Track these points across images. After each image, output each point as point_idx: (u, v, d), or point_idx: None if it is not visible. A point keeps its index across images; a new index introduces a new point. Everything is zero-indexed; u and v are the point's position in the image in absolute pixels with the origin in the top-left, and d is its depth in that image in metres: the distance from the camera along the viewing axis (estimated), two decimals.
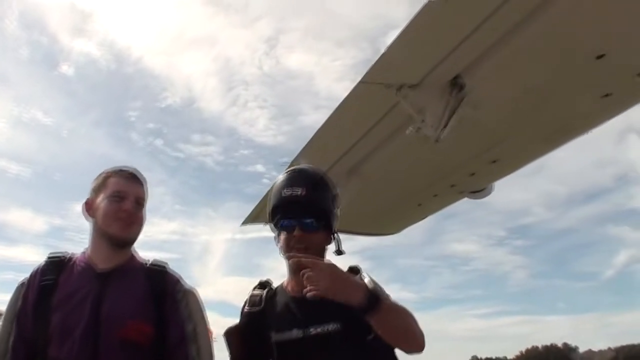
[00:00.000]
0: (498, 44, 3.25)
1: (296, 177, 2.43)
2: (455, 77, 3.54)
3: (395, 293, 2.41)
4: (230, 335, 2.50)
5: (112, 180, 2.53)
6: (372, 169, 4.63)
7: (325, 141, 4.21)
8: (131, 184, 2.55)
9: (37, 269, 2.44)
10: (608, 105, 4.00)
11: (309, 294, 2.13)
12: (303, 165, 2.59)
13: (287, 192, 2.35)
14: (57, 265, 2.43)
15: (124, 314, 2.34)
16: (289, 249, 2.38)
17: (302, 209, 2.36)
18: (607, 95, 3.84)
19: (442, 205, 5.67)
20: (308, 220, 2.36)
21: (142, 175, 2.64)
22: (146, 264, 2.59)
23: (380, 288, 2.23)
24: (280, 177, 2.46)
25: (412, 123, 3.58)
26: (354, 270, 2.44)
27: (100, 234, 2.48)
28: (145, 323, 2.36)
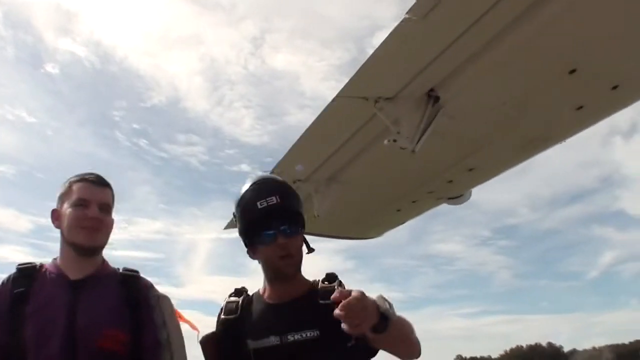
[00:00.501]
0: (472, 59, 3.34)
1: (265, 187, 2.37)
2: (431, 90, 3.62)
3: (380, 292, 2.36)
4: (206, 342, 2.48)
5: (76, 187, 2.45)
6: (352, 177, 4.71)
7: (306, 150, 4.28)
8: (95, 189, 2.46)
9: (8, 278, 2.38)
10: (582, 116, 4.12)
11: (352, 331, 2.04)
12: (262, 175, 2.49)
13: (262, 204, 2.29)
14: (28, 275, 2.37)
15: (100, 324, 2.28)
16: (273, 258, 2.34)
17: (280, 216, 2.33)
18: (580, 107, 3.96)
19: (421, 210, 5.77)
20: (288, 227, 2.34)
21: (105, 180, 2.55)
22: (118, 270, 2.54)
23: (389, 305, 2.17)
24: (245, 190, 2.40)
25: (389, 134, 3.64)
26: (331, 278, 2.42)
27: (68, 243, 2.41)
28: (121, 331, 2.32)
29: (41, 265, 2.44)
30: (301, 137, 4.17)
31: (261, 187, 2.38)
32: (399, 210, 5.64)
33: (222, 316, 2.48)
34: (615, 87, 3.77)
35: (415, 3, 2.77)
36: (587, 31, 3.25)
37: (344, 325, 1.99)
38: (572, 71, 3.51)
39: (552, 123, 4.23)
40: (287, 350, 2.26)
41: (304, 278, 2.47)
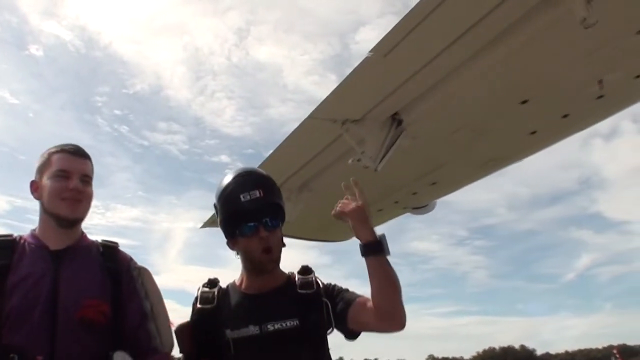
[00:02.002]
0: (432, 88, 3.66)
1: (249, 180, 2.40)
2: (395, 114, 3.94)
3: (355, 289, 2.50)
4: (182, 332, 2.48)
5: (55, 158, 2.39)
6: (321, 186, 5.00)
7: (279, 161, 4.56)
8: (76, 160, 2.41)
9: None
10: (536, 140, 4.51)
11: (338, 209, 2.45)
12: (244, 167, 2.53)
13: (246, 197, 2.32)
14: (8, 247, 2.30)
15: (82, 294, 2.25)
16: (254, 251, 2.40)
17: (262, 210, 2.37)
18: (533, 132, 4.35)
19: (388, 218, 6.09)
20: (270, 220, 2.39)
21: (85, 151, 2.50)
22: (97, 242, 2.51)
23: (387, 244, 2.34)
24: (227, 182, 2.43)
25: (354, 153, 3.96)
26: (307, 271, 2.51)
27: (48, 215, 2.37)
28: (103, 302, 2.29)
29: (20, 237, 2.39)
30: (276, 149, 4.46)
31: (245, 179, 2.41)
32: None
33: (198, 305, 2.48)
34: (565, 116, 4.15)
35: (376, 44, 3.08)
36: (537, 67, 3.60)
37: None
38: (524, 101, 3.87)
39: (508, 145, 4.61)
40: (268, 339, 2.31)
41: (280, 270, 2.52)
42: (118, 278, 2.40)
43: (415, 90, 3.65)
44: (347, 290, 2.47)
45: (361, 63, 3.24)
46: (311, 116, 3.78)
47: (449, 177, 5.11)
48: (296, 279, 2.48)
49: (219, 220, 2.47)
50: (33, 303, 2.17)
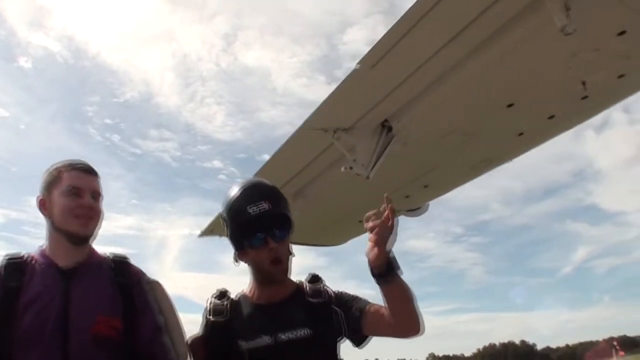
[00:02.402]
0: (420, 95, 3.77)
1: (256, 192, 2.42)
2: (385, 121, 4.04)
3: (353, 289, 2.54)
4: (195, 345, 2.49)
5: (66, 175, 2.39)
6: (316, 193, 5.09)
7: (273, 170, 4.64)
8: (87, 177, 2.43)
9: None
10: (523, 141, 4.61)
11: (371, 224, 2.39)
12: (251, 179, 2.57)
13: (254, 209, 2.34)
14: (19, 267, 2.30)
15: (94, 310, 2.25)
16: (264, 262, 2.42)
17: (270, 221, 2.39)
18: (521, 134, 4.45)
19: None
20: (278, 231, 2.41)
21: (94, 168, 2.52)
22: (108, 256, 2.51)
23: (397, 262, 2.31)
24: (235, 194, 2.44)
25: (346, 161, 4.05)
26: (316, 279, 2.54)
27: (59, 232, 2.36)
28: (115, 317, 2.28)
29: (29, 256, 2.38)
30: (270, 158, 4.57)
31: (252, 191, 2.43)
32: (360, 221, 6.01)
33: (211, 318, 2.48)
34: (551, 117, 4.25)
35: (363, 57, 3.17)
36: (521, 72, 3.69)
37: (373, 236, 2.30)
38: (510, 105, 3.97)
39: (498, 147, 4.70)
40: (281, 349, 2.32)
41: (290, 279, 2.53)
42: (129, 292, 2.39)
43: (403, 99, 3.75)
44: (357, 297, 2.51)
45: (349, 75, 3.34)
46: (303, 127, 3.89)
47: (441, 180, 5.21)
48: (306, 287, 2.51)
49: (227, 232, 2.49)
50: (44, 323, 2.16)
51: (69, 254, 2.36)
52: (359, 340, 2.48)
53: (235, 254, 2.52)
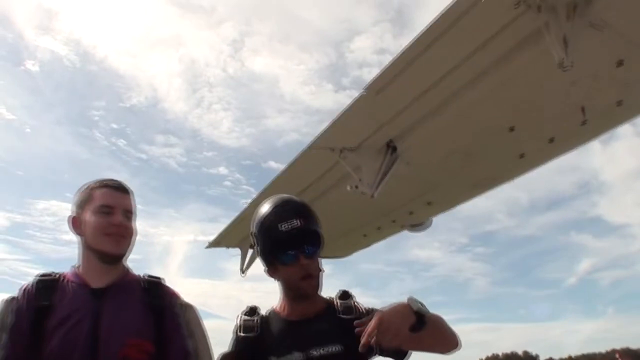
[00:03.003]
0: (425, 118, 3.92)
1: (287, 209, 2.41)
2: (390, 141, 4.19)
3: (357, 298, 2.51)
4: None
5: (98, 193, 2.36)
6: (323, 207, 5.19)
7: (282, 185, 4.80)
8: (119, 195, 2.39)
9: (30, 288, 2.27)
10: (525, 163, 4.74)
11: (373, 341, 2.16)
12: (281, 196, 2.53)
13: (286, 227, 2.33)
14: (50, 286, 2.26)
15: (124, 332, 2.20)
16: (295, 279, 2.40)
17: (302, 238, 2.37)
18: (522, 156, 4.58)
19: (385, 236, 6.33)
20: (309, 248, 2.38)
21: (127, 186, 2.47)
22: (141, 277, 2.46)
23: (421, 304, 2.24)
24: (266, 211, 2.43)
25: (351, 180, 4.20)
26: (346, 295, 2.52)
27: (91, 251, 2.32)
28: (146, 340, 2.24)
29: (61, 276, 2.35)
30: (279, 174, 4.78)
31: (284, 208, 2.42)
32: (365, 235, 6.20)
33: (241, 334, 2.46)
34: (551, 140, 4.38)
35: (369, 83, 3.34)
36: (522, 98, 3.84)
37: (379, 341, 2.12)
38: (512, 128, 4.11)
39: (499, 168, 4.84)
40: None
41: (320, 295, 2.51)
42: (161, 314, 2.33)
43: (407, 121, 3.92)
44: None
45: (356, 99, 3.50)
46: (311, 145, 4.03)
47: (443, 197, 5.36)
48: (337, 304, 2.47)
49: (257, 250, 2.47)
50: (73, 344, 2.12)
51: (102, 274, 2.33)
52: (399, 356, 2.41)
53: (265, 270, 2.51)
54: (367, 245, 6.58)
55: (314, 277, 2.41)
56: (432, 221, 6.17)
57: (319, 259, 2.49)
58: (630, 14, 3.16)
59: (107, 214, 2.31)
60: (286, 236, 2.33)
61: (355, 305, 2.45)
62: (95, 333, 2.16)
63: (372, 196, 4.16)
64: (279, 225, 2.33)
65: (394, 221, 5.84)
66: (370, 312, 2.39)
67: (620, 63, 3.54)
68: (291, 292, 2.46)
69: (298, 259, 2.35)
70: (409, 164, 4.37)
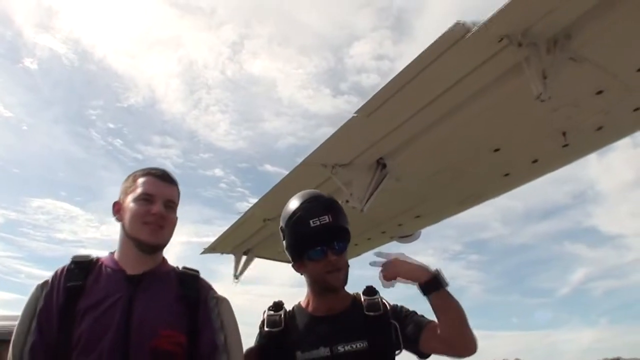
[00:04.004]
0: (413, 138, 4.14)
1: (317, 206, 2.42)
2: (380, 159, 4.41)
3: None
4: (252, 356, 2.47)
5: (140, 181, 2.33)
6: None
7: (276, 196, 5.02)
8: (162, 184, 2.34)
9: (62, 270, 2.23)
10: (509, 181, 4.98)
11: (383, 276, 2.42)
12: (310, 192, 2.56)
13: (316, 223, 2.33)
14: (84, 268, 2.23)
15: (157, 323, 2.15)
16: (323, 273, 2.42)
17: (331, 234, 2.38)
18: (507, 174, 4.82)
19: (375, 245, 6.53)
20: (338, 244, 2.40)
21: (172, 176, 2.44)
22: (177, 268, 2.42)
23: (445, 278, 2.35)
24: (296, 207, 2.45)
25: (342, 195, 4.40)
26: (372, 292, 2.54)
27: (129, 238, 2.29)
28: (179, 332, 2.19)
29: (98, 259, 2.31)
30: (274, 186, 4.99)
31: (314, 204, 2.43)
32: (356, 245, 6.39)
33: (266, 329, 2.47)
34: (535, 161, 4.62)
35: (361, 106, 3.54)
36: (507, 122, 4.05)
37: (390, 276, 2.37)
38: (497, 149, 4.34)
39: (485, 185, 5.08)
40: None
41: (346, 291, 2.53)
42: (195, 308, 2.30)
43: (396, 141, 4.15)
44: (415, 312, 2.49)
45: (348, 120, 3.72)
46: (304, 162, 4.26)
47: (431, 211, 5.60)
48: (362, 300, 2.49)
49: (285, 244, 2.47)
50: (105, 328, 2.08)
51: (138, 262, 2.28)
52: (421, 355, 2.46)
53: (292, 265, 2.53)
54: (358, 254, 6.75)
55: (341, 270, 2.42)
56: (420, 233, 6.39)
57: (347, 255, 2.50)
58: (607, 48, 3.35)
59: (147, 202, 2.28)
60: (316, 232, 2.34)
61: (382, 302, 2.47)
62: (128, 320, 2.12)
63: (362, 210, 4.36)
64: (310, 222, 2.34)
65: (383, 232, 6.07)
66: (397, 311, 2.48)
67: (599, 92, 3.74)
68: (317, 286, 2.47)
69: (326, 255, 2.37)
70: (398, 180, 4.58)
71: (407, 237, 6.33)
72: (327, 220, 2.33)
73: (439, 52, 3.15)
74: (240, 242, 6.36)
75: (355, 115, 3.63)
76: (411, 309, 2.51)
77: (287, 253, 2.48)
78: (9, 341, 2.13)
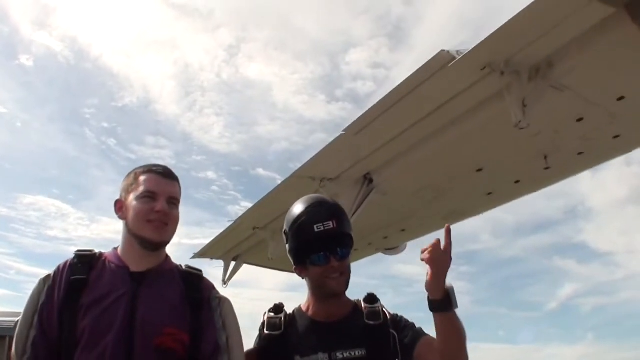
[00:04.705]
0: (398, 156, 4.30)
1: (321, 211, 2.36)
2: (367, 174, 4.57)
3: None
4: (252, 358, 2.43)
5: (143, 178, 2.30)
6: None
7: (267, 206, 5.20)
8: (164, 182, 2.31)
9: (65, 264, 2.22)
10: (492, 199, 5.15)
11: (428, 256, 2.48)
12: (315, 196, 2.49)
13: (320, 228, 2.28)
14: (87, 262, 2.22)
15: (161, 320, 2.15)
16: (324, 278, 2.33)
17: (335, 240, 2.33)
18: (489, 193, 4.97)
19: (362, 256, 6.72)
20: (341, 250, 2.33)
21: (174, 173, 2.41)
22: (180, 267, 2.39)
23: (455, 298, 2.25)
24: (301, 211, 2.39)
25: None
26: (373, 300, 2.47)
27: (132, 236, 2.27)
28: (182, 331, 2.18)
29: (101, 254, 2.29)
30: (265, 196, 5.15)
31: (318, 210, 2.37)
32: None
33: (266, 331, 2.44)
34: (517, 182, 4.78)
35: (348, 125, 3.69)
36: (489, 145, 4.20)
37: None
38: (480, 170, 4.50)
39: (468, 203, 5.24)
40: None
41: (347, 298, 2.47)
42: (199, 306, 2.28)
43: (382, 158, 4.32)
44: (414, 325, 2.44)
45: (336, 138, 3.88)
46: (293, 175, 4.41)
47: (416, 226, 5.75)
48: (363, 308, 2.41)
49: (288, 248, 2.42)
50: (109, 324, 2.07)
51: (142, 259, 2.27)
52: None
53: (294, 268, 2.45)
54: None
55: (342, 275, 2.37)
56: (406, 246, 6.55)
57: (349, 261, 2.43)
58: (589, 77, 3.50)
59: (150, 199, 2.25)
60: (319, 237, 2.30)
61: (382, 311, 2.42)
62: (132, 317, 2.11)
63: None
64: (314, 227, 2.30)
65: (370, 244, 6.21)
66: (397, 320, 2.44)
67: (580, 119, 3.89)
68: (319, 291, 2.41)
69: (329, 261, 2.31)
70: (384, 195, 4.73)
71: (392, 249, 6.49)
72: (332, 226, 2.28)
73: (423, 78, 3.30)
74: (230, 249, 6.51)
75: (343, 132, 3.78)
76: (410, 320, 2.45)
77: (289, 256, 2.44)
78: (3, 337, 2.06)
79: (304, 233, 2.33)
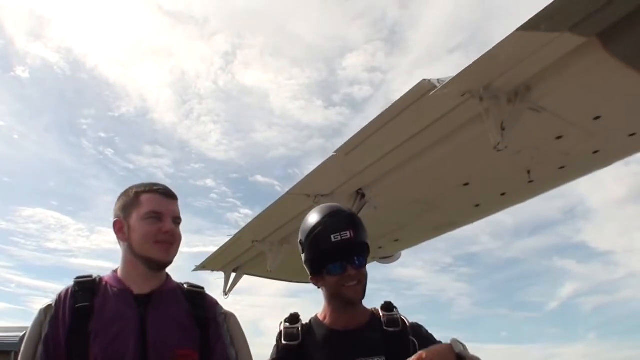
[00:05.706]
0: (388, 173, 4.56)
1: (339, 220, 2.38)
2: (359, 189, 4.81)
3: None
4: None
5: (145, 198, 2.28)
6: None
7: (264, 221, 5.46)
8: (167, 201, 2.31)
9: (66, 292, 2.20)
10: (480, 211, 5.39)
11: None
12: (331, 206, 2.52)
13: (337, 238, 2.30)
14: (88, 289, 2.20)
15: (172, 342, 2.15)
16: (342, 287, 2.35)
17: (352, 249, 2.35)
18: (477, 205, 5.21)
19: None
20: (358, 259, 2.36)
21: (173, 191, 2.42)
22: (182, 285, 2.40)
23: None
24: (317, 221, 2.41)
25: None
26: (390, 307, 2.49)
27: (137, 257, 2.25)
28: (193, 350, 2.18)
29: (100, 278, 2.28)
30: (263, 212, 5.45)
31: (335, 219, 2.40)
32: None
33: (283, 342, 2.42)
34: (503, 194, 5.01)
35: (340, 146, 3.94)
36: (475, 161, 4.43)
37: None
38: (466, 184, 4.74)
39: (456, 214, 5.51)
40: None
41: (364, 306, 2.50)
42: (206, 324, 2.29)
43: (373, 175, 4.59)
44: (432, 335, 2.45)
45: (328, 158, 4.14)
46: (289, 192, 4.68)
47: (408, 236, 6.02)
48: (381, 315, 2.44)
49: (303, 258, 2.45)
50: (122, 351, 2.07)
51: (146, 280, 2.26)
52: None
53: (310, 278, 2.50)
54: None
55: (359, 283, 2.39)
56: (401, 254, 6.78)
57: (366, 270, 2.47)
58: (565, 99, 3.71)
59: (156, 221, 2.25)
60: (337, 247, 2.31)
61: (401, 319, 2.43)
62: (144, 342, 2.11)
63: None
64: (331, 236, 2.31)
65: None
66: (417, 328, 2.45)
67: (559, 137, 4.12)
68: (336, 300, 2.42)
69: (346, 270, 2.32)
70: (376, 208, 4.95)
71: (388, 258, 6.73)
72: (349, 236, 2.31)
73: (406, 104, 3.53)
74: (230, 261, 6.77)
75: (334, 154, 4.02)
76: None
77: (305, 267, 2.46)
78: (8, 352, 2.16)
79: (320, 243, 2.34)
